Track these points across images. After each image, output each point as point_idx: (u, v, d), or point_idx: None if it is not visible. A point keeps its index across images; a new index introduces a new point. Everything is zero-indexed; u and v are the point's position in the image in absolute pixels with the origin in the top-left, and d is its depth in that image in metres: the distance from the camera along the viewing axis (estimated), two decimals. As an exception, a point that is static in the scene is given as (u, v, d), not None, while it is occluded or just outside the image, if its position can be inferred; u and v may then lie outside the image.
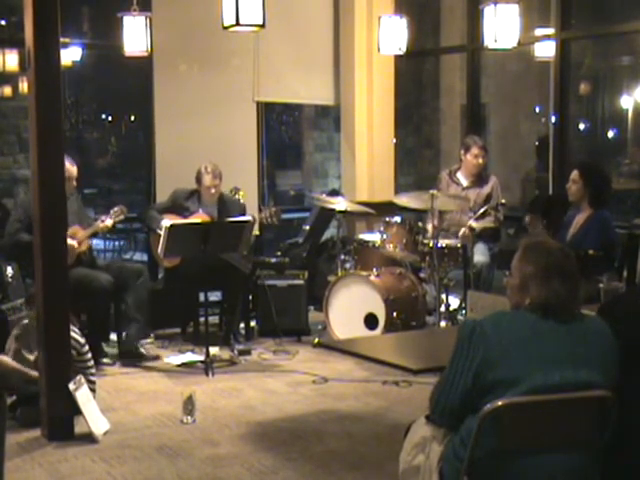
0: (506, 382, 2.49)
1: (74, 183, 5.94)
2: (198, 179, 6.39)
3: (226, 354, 6.11)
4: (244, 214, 6.47)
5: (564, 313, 2.58)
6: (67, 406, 4.48)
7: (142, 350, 5.96)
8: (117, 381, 5.59)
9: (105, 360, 5.88)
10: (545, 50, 7.93)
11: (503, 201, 6.41)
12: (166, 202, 6.51)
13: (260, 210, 6.65)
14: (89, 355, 4.84)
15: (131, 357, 5.92)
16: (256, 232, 6.86)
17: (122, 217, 6.08)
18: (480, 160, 6.68)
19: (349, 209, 6.69)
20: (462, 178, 6.79)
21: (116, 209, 6.06)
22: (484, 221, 6.34)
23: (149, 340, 6.19)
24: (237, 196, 6.63)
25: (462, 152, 6.76)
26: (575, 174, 5.58)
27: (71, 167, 5.81)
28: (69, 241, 5.71)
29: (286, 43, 7.59)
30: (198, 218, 6.22)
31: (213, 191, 6.37)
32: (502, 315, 2.65)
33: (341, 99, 7.96)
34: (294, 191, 11.12)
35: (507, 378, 2.49)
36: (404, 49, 7.06)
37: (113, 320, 6.22)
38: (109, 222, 6.02)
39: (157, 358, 5.99)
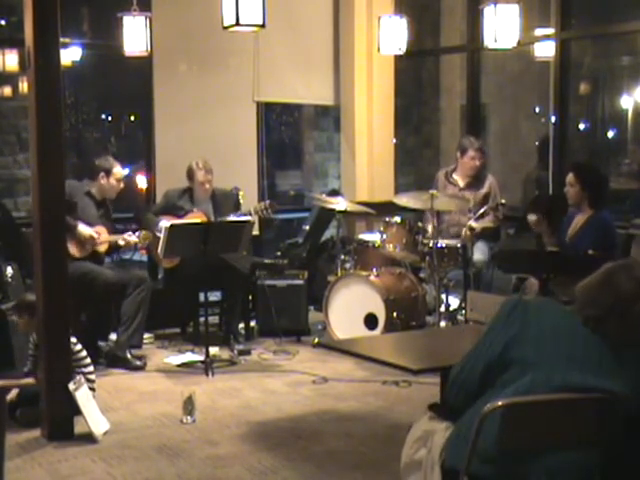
0: (526, 363, 2.51)
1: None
2: (190, 176, 6.40)
3: (226, 354, 6.11)
4: (238, 205, 6.45)
5: (606, 330, 2.55)
6: (67, 406, 4.48)
7: (128, 355, 5.85)
8: (117, 381, 5.59)
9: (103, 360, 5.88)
10: (545, 50, 7.92)
11: (503, 201, 6.39)
12: (161, 204, 6.52)
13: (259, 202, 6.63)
14: (83, 353, 4.82)
15: (116, 362, 5.82)
16: (256, 232, 6.86)
17: (146, 242, 6.10)
18: (477, 162, 6.65)
19: (349, 209, 6.69)
20: (458, 179, 6.76)
21: (143, 233, 6.07)
22: (484, 221, 6.34)
23: (137, 352, 6.03)
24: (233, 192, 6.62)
25: (458, 154, 6.72)
26: (571, 177, 5.55)
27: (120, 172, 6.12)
28: (91, 232, 5.83)
29: (286, 43, 7.59)
30: (196, 217, 6.22)
31: (207, 186, 6.38)
32: (549, 302, 2.71)
33: (341, 99, 7.96)
34: (294, 191, 11.10)
35: (528, 359, 2.52)
36: (404, 49, 7.05)
37: (113, 320, 6.19)
38: (134, 239, 6.03)
39: (142, 368, 5.82)
